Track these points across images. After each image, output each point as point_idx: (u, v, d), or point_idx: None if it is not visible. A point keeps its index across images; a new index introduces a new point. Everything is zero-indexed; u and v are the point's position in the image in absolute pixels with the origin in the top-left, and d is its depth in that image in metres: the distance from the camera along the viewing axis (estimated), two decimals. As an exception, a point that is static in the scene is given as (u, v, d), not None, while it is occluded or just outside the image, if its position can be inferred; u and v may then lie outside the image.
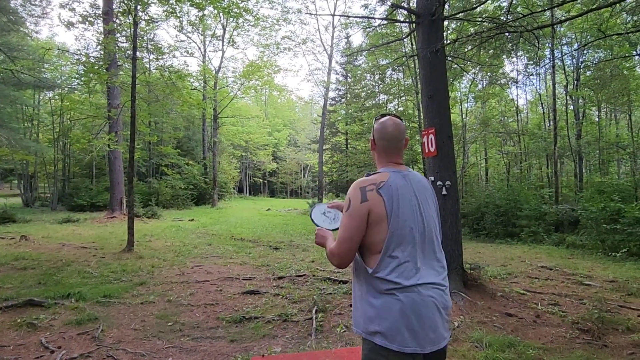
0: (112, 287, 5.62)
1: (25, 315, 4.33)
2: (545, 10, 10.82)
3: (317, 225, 1.88)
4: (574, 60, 16.76)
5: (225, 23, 24.64)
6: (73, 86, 22.36)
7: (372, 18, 11.91)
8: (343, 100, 27.70)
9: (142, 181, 23.32)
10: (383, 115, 1.77)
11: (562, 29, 15.34)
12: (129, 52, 10.91)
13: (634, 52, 13.53)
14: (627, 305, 4.88)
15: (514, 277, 6.53)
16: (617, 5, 7.93)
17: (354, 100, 23.72)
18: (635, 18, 9.01)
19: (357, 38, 41.87)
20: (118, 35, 11.78)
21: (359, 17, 15.91)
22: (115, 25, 11.28)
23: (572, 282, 6.18)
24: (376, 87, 20.93)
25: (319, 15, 15.01)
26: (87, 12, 13.31)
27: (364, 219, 1.55)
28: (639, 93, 16.11)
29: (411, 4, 8.91)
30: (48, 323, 4.17)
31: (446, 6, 10.31)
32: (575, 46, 15.94)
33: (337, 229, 1.77)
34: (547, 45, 14.79)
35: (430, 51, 5.48)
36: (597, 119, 18.92)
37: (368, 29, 15.46)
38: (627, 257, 8.20)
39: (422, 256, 1.58)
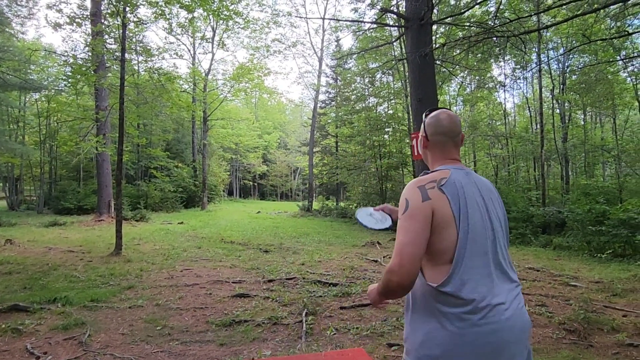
0: (100, 291, 5.54)
1: (10, 321, 4.24)
2: (531, 16, 11.01)
3: (363, 224, 1.72)
4: (559, 64, 17.06)
5: (215, 25, 24.56)
6: (60, 88, 22.09)
7: (362, 22, 12.00)
8: (333, 103, 27.76)
9: (131, 184, 23.08)
10: (432, 110, 1.58)
11: (548, 34, 15.61)
12: (117, 53, 10.79)
13: (618, 57, 13.83)
14: (612, 305, 4.96)
15: (502, 278, 6.57)
16: (602, 11, 8.11)
17: (344, 103, 23.81)
18: (618, 24, 9.22)
19: (347, 41, 41.98)
20: (106, 36, 11.67)
21: (349, 21, 16.01)
22: (103, 26, 11.18)
23: (559, 283, 6.27)
24: (366, 90, 21.03)
25: (309, 18, 15.08)
26: (75, 13, 13.16)
27: (428, 220, 1.28)
28: (623, 97, 16.46)
29: (400, 9, 8.98)
30: (33, 328, 4.10)
31: (435, 10, 10.44)
32: (561, 51, 16.21)
33: (386, 228, 1.64)
34: (533, 49, 15.03)
35: (419, 55, 5.54)
36: (582, 123, 19.28)
37: (358, 33, 15.56)
38: (612, 258, 8.34)
39: (494, 268, 1.32)
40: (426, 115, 1.58)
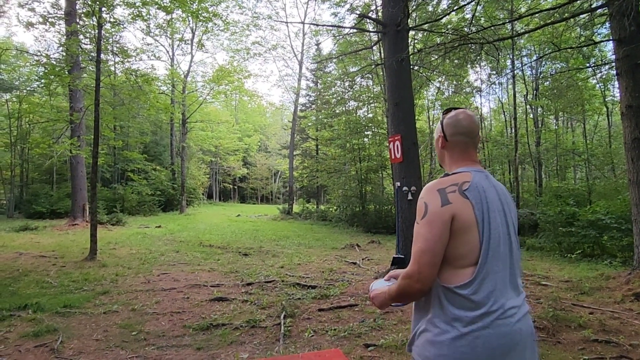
0: (73, 297, 5.42)
1: (-23, 329, 4.12)
2: (505, 24, 11.35)
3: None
4: (533, 70, 17.62)
5: (194, 27, 24.35)
6: (32, 88, 21.46)
7: (341, 27, 12.13)
8: (313, 106, 27.88)
9: (107, 187, 22.56)
10: (448, 110, 1.50)
11: (522, 41, 16.08)
12: (92, 54, 10.58)
13: (587, 65, 14.36)
14: (580, 303, 5.15)
15: (477, 279, 6.73)
16: (571, 20, 8.42)
17: (324, 106, 23.92)
18: (587, 32, 9.60)
19: (328, 45, 42.34)
20: (81, 36, 11.43)
21: (329, 26, 16.13)
22: (78, 26, 10.95)
23: (531, 282, 6.46)
24: (346, 93, 21.19)
25: (290, 22, 15.12)
26: (48, 12, 12.86)
27: (447, 225, 1.26)
28: (592, 103, 17.09)
29: (379, 14, 9.12)
30: (2, 336, 3.98)
31: (414, 15, 10.64)
32: (534, 58, 16.73)
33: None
34: (508, 56, 15.48)
35: (395, 60, 5.65)
36: (555, 127, 19.91)
37: (338, 37, 15.69)
38: (581, 258, 8.65)
39: (509, 274, 1.31)
40: (444, 115, 1.51)
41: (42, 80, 15.77)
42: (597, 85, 16.44)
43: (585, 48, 12.36)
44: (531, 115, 17.99)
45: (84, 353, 3.65)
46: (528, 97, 17.40)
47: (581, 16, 9.23)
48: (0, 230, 13.43)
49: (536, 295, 5.64)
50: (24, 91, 21.16)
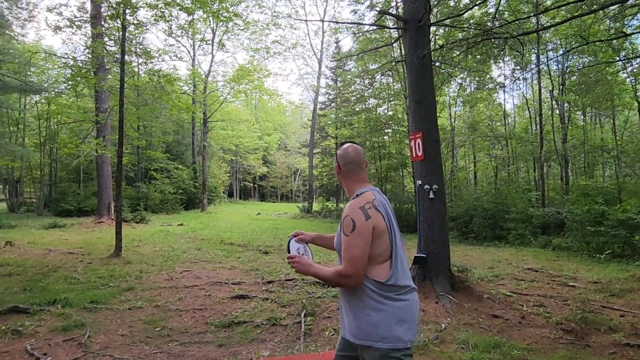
0: (99, 292, 5.57)
1: (9, 322, 4.27)
2: (530, 17, 11.04)
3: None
4: (559, 65, 17.08)
5: (215, 27, 24.60)
6: (60, 90, 22.12)
7: (361, 24, 12.04)
8: (333, 104, 27.80)
9: (131, 186, 23.11)
10: (342, 144, 1.98)
11: (547, 35, 15.62)
12: (117, 55, 10.82)
13: (617, 58, 13.84)
14: (610, 305, 4.98)
15: (501, 279, 6.61)
16: (600, 12, 8.13)
17: (344, 104, 23.84)
18: (617, 25, 9.24)
19: (347, 43, 42.03)
20: (106, 39, 11.71)
21: (348, 23, 16.04)
22: (103, 29, 11.22)
23: (557, 283, 6.29)
24: (365, 91, 21.06)
25: (309, 21, 15.12)
26: (75, 16, 13.23)
27: (371, 234, 1.68)
28: (622, 98, 16.47)
29: (399, 10, 9.01)
30: (33, 330, 4.13)
31: (435, 11, 10.47)
32: (561, 52, 16.25)
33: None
34: (533, 50, 15.06)
35: (417, 57, 5.56)
36: (582, 123, 19.29)
37: (357, 34, 15.60)
38: (610, 259, 8.36)
39: (406, 261, 1.82)
40: (337, 149, 2.01)
41: (70, 82, 16.23)
42: (628, 80, 15.79)
43: (615, 41, 11.89)
44: (557, 111, 17.47)
45: (110, 348, 3.75)
46: (554, 93, 16.92)
47: (611, 8, 8.91)
48: (31, 227, 13.93)
49: (563, 296, 5.49)
50: (53, 93, 21.83)
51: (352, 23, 14.19)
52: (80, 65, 12.23)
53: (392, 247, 1.73)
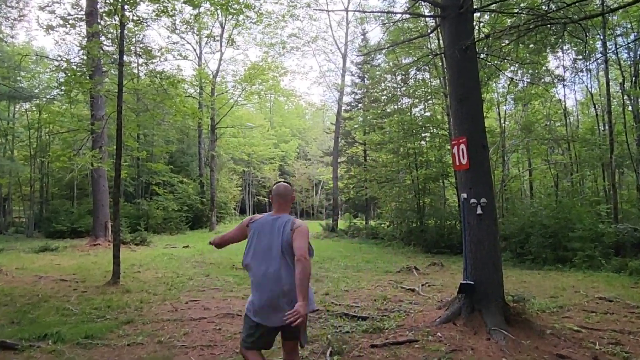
0: (95, 326, 5.68)
1: (-4, 360, 4.40)
2: (593, -3, 10.85)
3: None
4: (630, 53, 16.69)
5: (223, 21, 25.19)
6: (52, 96, 22.97)
7: (392, 13, 12.09)
8: (360, 105, 27.89)
9: (130, 202, 23.66)
10: (277, 182, 3.46)
11: (615, 18, 15.33)
12: (115, 56, 11.18)
13: None
14: None
15: (566, 310, 6.42)
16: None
17: (373, 105, 23.86)
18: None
19: (375, 34, 42.25)
20: (103, 38, 12.13)
21: (377, 12, 16.13)
22: (99, 27, 11.63)
23: (637, 316, 6.05)
24: (398, 89, 21.05)
25: (331, 11, 15.30)
26: (69, 13, 13.79)
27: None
28: None
29: (436, -6, 9.03)
30: (22, 368, 4.23)
31: (477, -5, 10.42)
32: (632, 37, 15.88)
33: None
34: (598, 37, 14.75)
35: (458, 49, 5.53)
36: (661, 121, 18.70)
37: (388, 24, 15.66)
38: None
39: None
40: (274, 185, 3.44)
41: (63, 87, 16.84)
42: None
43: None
44: (630, 108, 17.02)
45: (107, 390, 3.80)
46: (625, 86, 16.50)
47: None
48: (20, 250, 14.40)
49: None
50: (44, 99, 22.70)
51: (381, 12, 14.30)
52: (75, 68, 12.68)
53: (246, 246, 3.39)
